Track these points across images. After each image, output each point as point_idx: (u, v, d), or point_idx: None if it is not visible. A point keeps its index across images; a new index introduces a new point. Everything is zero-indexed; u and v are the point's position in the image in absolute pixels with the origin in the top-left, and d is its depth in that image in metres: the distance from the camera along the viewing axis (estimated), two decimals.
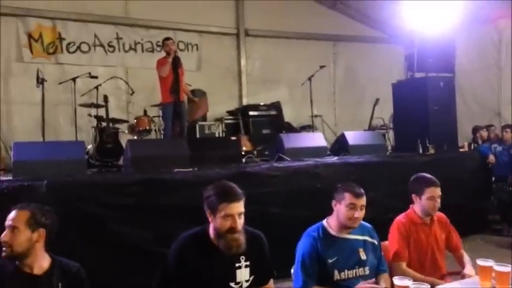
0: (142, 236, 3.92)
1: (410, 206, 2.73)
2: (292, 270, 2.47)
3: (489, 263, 2.02)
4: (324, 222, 2.41)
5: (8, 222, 1.85)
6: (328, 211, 2.47)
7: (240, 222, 1.94)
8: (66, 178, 3.73)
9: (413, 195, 2.68)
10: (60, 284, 1.85)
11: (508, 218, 6.00)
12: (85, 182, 3.84)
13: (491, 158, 6.11)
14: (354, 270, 2.29)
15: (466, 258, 2.70)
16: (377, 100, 7.21)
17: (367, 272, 2.31)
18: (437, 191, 2.62)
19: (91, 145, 5.75)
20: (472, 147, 6.62)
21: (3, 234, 1.84)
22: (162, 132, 6.45)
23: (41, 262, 1.86)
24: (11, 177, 3.89)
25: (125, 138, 6.15)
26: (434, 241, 2.66)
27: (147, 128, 6.21)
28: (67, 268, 1.92)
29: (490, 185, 6.16)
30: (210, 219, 1.99)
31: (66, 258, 1.97)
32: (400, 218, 2.70)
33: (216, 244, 1.98)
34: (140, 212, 3.94)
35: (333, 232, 2.35)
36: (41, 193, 3.49)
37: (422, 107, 5.93)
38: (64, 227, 1.95)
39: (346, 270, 2.27)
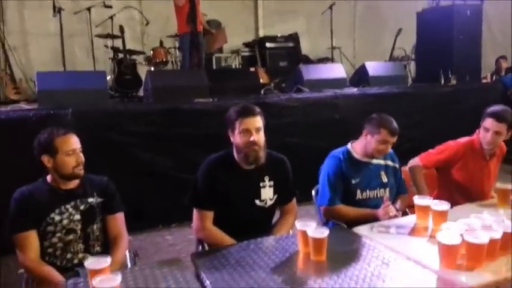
0: (163, 163, 4.08)
1: (477, 131, 2.60)
2: (313, 192, 2.58)
3: (426, 201, 2.01)
4: (349, 146, 2.46)
5: (76, 145, 1.90)
6: (346, 142, 2.51)
7: (259, 137, 2.00)
8: (90, 107, 3.80)
9: (482, 123, 2.53)
10: (95, 194, 1.95)
11: None
12: (108, 110, 3.91)
13: None
14: (375, 191, 2.38)
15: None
16: (399, 30, 6.92)
17: (387, 193, 2.41)
18: (498, 127, 2.43)
19: (110, 76, 5.75)
20: (495, 78, 6.44)
21: (80, 156, 1.89)
22: (179, 63, 6.40)
23: (74, 180, 1.94)
24: (35, 106, 3.98)
25: (142, 69, 6.15)
26: (487, 174, 2.61)
27: (164, 59, 6.13)
28: (98, 181, 2.01)
29: None
30: (232, 139, 2.06)
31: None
32: (463, 140, 2.62)
33: (240, 164, 2.07)
34: (161, 140, 4.07)
35: (357, 156, 2.41)
36: (66, 121, 3.59)
37: (447, 36, 5.73)
38: (89, 153, 2.00)
39: (368, 191, 2.37)
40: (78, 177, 1.91)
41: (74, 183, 1.93)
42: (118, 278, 1.32)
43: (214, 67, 6.87)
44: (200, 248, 2.16)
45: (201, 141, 4.13)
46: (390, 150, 2.48)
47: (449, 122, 5.15)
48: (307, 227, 1.73)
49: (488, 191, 2.67)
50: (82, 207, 1.91)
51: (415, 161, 2.63)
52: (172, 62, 6.45)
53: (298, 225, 1.76)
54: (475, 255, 1.56)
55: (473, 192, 2.54)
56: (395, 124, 2.32)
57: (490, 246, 1.57)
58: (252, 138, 1.98)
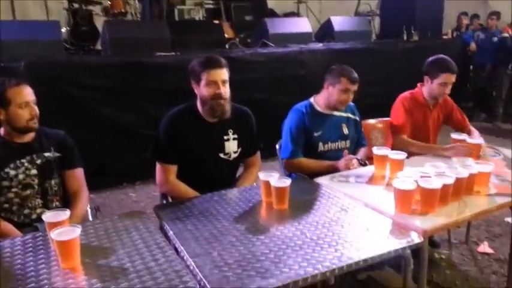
0: (126, 119, 3.98)
1: (419, 85, 2.68)
2: (277, 146, 2.60)
3: (384, 151, 2.09)
4: (312, 99, 2.48)
5: (30, 98, 1.79)
6: (310, 97, 2.52)
7: (224, 89, 1.96)
8: (44, 59, 3.59)
9: (426, 76, 2.57)
10: (52, 148, 1.88)
11: (479, 104, 6.28)
12: (64, 63, 3.72)
13: (473, 46, 6.14)
14: (337, 143, 2.44)
15: (476, 133, 2.69)
16: None
17: (348, 145, 2.47)
18: (452, 78, 2.51)
19: (65, 28, 5.43)
20: (455, 34, 6.57)
21: (34, 109, 1.79)
22: (139, 15, 6.11)
23: (28, 134, 1.86)
24: None
25: (99, 21, 5.83)
26: (432, 124, 2.69)
27: (122, 10, 5.83)
28: (54, 135, 1.93)
29: (467, 73, 6.28)
30: (196, 91, 2.01)
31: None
32: (406, 94, 2.68)
33: (204, 117, 2.03)
34: (123, 95, 3.94)
35: (319, 109, 2.44)
36: (19, 74, 3.39)
37: None
38: (45, 108, 1.89)
39: (329, 143, 2.42)
40: (32, 130, 1.83)
41: (29, 137, 1.85)
42: (77, 230, 1.30)
43: (176, 19, 6.60)
44: (164, 202, 2.16)
45: (164, 96, 4.02)
46: (351, 103, 2.52)
47: (411, 78, 5.22)
48: (270, 177, 1.75)
49: (433, 139, 2.77)
50: (38, 162, 1.84)
51: (395, 138, 2.61)
52: (131, 13, 6.14)
53: (262, 175, 1.78)
54: (428, 200, 1.64)
55: (423, 139, 2.63)
56: (355, 73, 2.35)
57: (442, 192, 1.65)
58: (218, 91, 1.93)
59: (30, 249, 1.41)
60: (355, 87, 2.35)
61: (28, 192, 1.81)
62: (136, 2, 6.08)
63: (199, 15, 7.07)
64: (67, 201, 1.88)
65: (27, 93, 1.79)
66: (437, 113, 2.72)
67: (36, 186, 1.83)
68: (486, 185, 1.87)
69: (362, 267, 1.97)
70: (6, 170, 1.77)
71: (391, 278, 2.32)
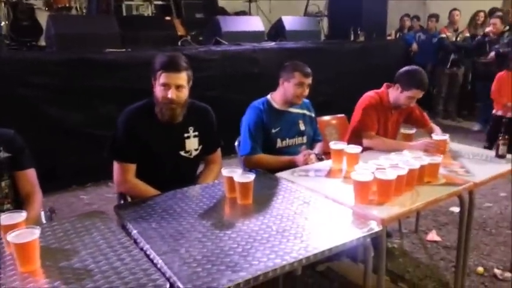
0: (74, 118, 3.82)
1: (385, 85, 2.68)
2: (236, 143, 2.61)
3: (340, 145, 2.17)
4: (269, 96, 2.52)
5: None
6: (265, 95, 2.54)
7: (179, 94, 1.90)
8: None
9: (397, 84, 2.56)
10: (1, 148, 1.76)
11: (421, 102, 6.62)
12: (6, 59, 3.49)
13: (414, 46, 6.50)
14: (294, 139, 2.50)
15: (437, 130, 2.72)
16: None
17: (305, 141, 2.54)
18: (421, 95, 2.53)
19: (3, 23, 5.10)
20: (398, 35, 6.91)
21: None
22: (85, 10, 5.86)
23: None
24: None
25: (42, 15, 5.53)
26: (391, 126, 2.73)
27: (67, 5, 5.57)
28: (3, 134, 1.80)
29: None
30: (154, 89, 1.96)
31: None
32: (372, 94, 2.67)
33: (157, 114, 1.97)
34: (70, 94, 3.77)
35: (276, 106, 2.48)
36: None
37: None
38: None
39: (287, 139, 2.47)
40: None
41: None
42: (36, 232, 1.23)
43: (124, 15, 6.40)
44: (121, 202, 2.10)
45: (115, 95, 3.89)
46: (306, 100, 2.58)
47: (357, 77, 5.46)
48: (234, 173, 1.76)
49: (422, 126, 2.85)
50: None
51: (364, 135, 2.58)
52: (76, 8, 5.87)
53: (225, 172, 1.78)
54: (384, 190, 1.73)
55: None
56: (307, 67, 2.42)
57: (397, 182, 1.74)
58: (170, 95, 1.88)
59: None
60: (309, 81, 2.41)
61: None
62: None
63: (148, 11, 6.89)
64: (19, 203, 1.77)
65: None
66: (397, 116, 2.76)
67: None
68: (436, 176, 1.99)
69: (321, 259, 2.06)
70: None
71: (349, 268, 2.41)
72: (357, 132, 2.67)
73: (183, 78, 1.91)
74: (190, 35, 6.14)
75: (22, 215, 1.35)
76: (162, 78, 1.88)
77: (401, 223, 3.00)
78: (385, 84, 2.71)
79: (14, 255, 1.22)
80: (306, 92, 2.44)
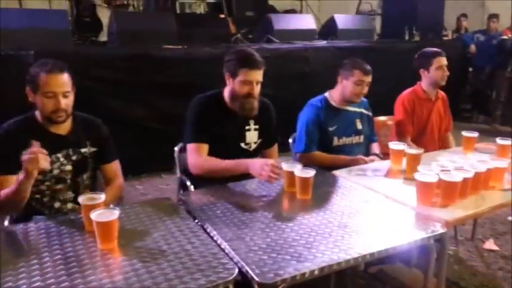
0: (132, 112, 3.97)
1: (418, 83, 2.78)
2: (290, 140, 2.63)
3: (401, 146, 2.13)
4: (327, 94, 2.52)
5: (62, 89, 1.66)
6: (315, 95, 2.54)
7: (257, 89, 1.99)
8: (54, 48, 3.57)
9: (420, 70, 2.70)
10: (88, 143, 1.82)
11: (478, 106, 6.37)
12: (72, 53, 3.70)
13: (472, 47, 6.23)
14: (351, 138, 2.48)
15: (451, 140, 2.83)
16: None
17: (362, 140, 2.52)
18: (444, 60, 2.66)
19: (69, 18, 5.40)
20: (455, 36, 6.66)
21: (60, 102, 1.65)
22: (141, 7, 6.10)
23: (62, 125, 1.75)
24: None
25: (102, 12, 5.82)
26: (436, 117, 2.78)
27: (125, 2, 5.86)
28: (91, 125, 1.86)
29: (466, 75, 6.38)
30: (227, 82, 2.03)
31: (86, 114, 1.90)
32: (405, 93, 2.77)
33: (230, 106, 2.05)
34: (130, 88, 3.93)
35: (334, 104, 2.48)
36: (28, 63, 3.38)
37: None
38: None
39: (344, 137, 2.46)
40: (56, 123, 1.72)
41: (65, 128, 1.76)
42: (116, 213, 1.32)
43: (178, 13, 6.59)
44: (181, 191, 2.18)
45: (171, 91, 4.03)
46: (364, 99, 2.56)
47: (412, 78, 5.30)
48: (294, 167, 1.78)
49: (445, 130, 2.87)
50: (74, 158, 1.78)
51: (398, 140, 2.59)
52: (133, 5, 6.13)
53: (285, 166, 1.81)
54: (449, 193, 1.69)
55: (428, 133, 2.74)
56: (367, 65, 2.40)
57: (462, 185, 1.70)
58: (252, 91, 1.96)
59: (65, 231, 1.42)
60: (368, 79, 2.38)
61: (60, 186, 1.77)
62: None
63: (200, 9, 7.08)
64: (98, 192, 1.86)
65: (57, 84, 1.66)
66: (439, 104, 2.81)
67: (69, 181, 1.78)
68: (501, 181, 1.92)
69: (373, 261, 2.04)
70: None
71: (402, 272, 2.37)
72: (401, 134, 2.72)
73: (261, 73, 1.99)
74: (240, 32, 6.23)
75: (101, 197, 1.44)
76: (243, 75, 1.94)
77: (457, 230, 2.90)
78: (417, 82, 2.81)
79: (95, 232, 1.31)
80: (365, 90, 2.42)
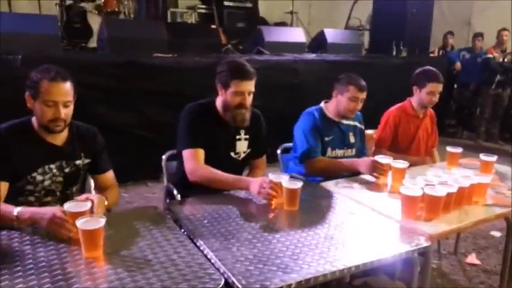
0: (120, 119, 3.94)
1: (408, 98, 2.80)
2: (278, 151, 2.64)
3: (386, 160, 2.15)
4: (322, 105, 2.51)
5: (63, 98, 1.60)
6: (304, 107, 2.55)
7: (249, 100, 2.00)
8: (42, 53, 3.55)
9: (414, 86, 2.70)
10: (82, 154, 1.77)
11: (462, 122, 6.50)
12: (61, 58, 3.67)
13: (458, 65, 6.38)
14: (343, 151, 2.49)
15: (436, 155, 2.88)
16: None
17: (353, 153, 2.53)
18: (439, 87, 2.64)
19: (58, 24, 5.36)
20: (441, 53, 6.81)
21: (60, 111, 1.59)
22: (132, 15, 6.10)
23: (58, 135, 1.70)
24: None
25: (92, 19, 5.80)
26: (423, 133, 2.80)
27: (116, 9, 5.82)
28: (85, 132, 1.80)
29: (451, 91, 6.51)
30: (220, 93, 2.04)
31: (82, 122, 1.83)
32: (393, 109, 2.79)
33: (222, 116, 2.06)
34: (118, 95, 3.92)
35: (330, 115, 2.47)
36: (15, 67, 3.35)
37: (401, 9, 5.95)
38: None
39: (337, 149, 2.46)
40: (53, 132, 1.65)
41: (60, 139, 1.70)
42: (102, 221, 1.31)
43: (168, 22, 6.61)
44: (167, 200, 2.17)
45: (160, 98, 4.04)
46: (358, 112, 2.55)
47: (399, 92, 5.37)
48: (281, 179, 1.79)
49: (431, 146, 2.90)
50: (67, 170, 1.73)
51: (375, 152, 2.67)
52: (124, 12, 6.12)
53: (272, 177, 1.82)
54: (433, 207, 1.72)
55: (414, 149, 2.76)
56: (362, 81, 2.39)
57: (446, 200, 1.73)
58: (244, 102, 1.97)
59: (50, 239, 1.40)
60: (363, 95, 2.39)
61: (49, 198, 1.72)
62: (131, 1, 6.08)
63: (191, 19, 7.13)
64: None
65: (59, 92, 1.59)
66: (427, 121, 2.85)
67: (58, 193, 1.74)
68: (484, 196, 1.96)
69: (358, 273, 2.05)
70: (34, 174, 1.66)
71: (386, 284, 2.39)
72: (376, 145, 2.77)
73: (253, 84, 2.00)
74: (231, 43, 6.28)
75: (87, 205, 1.42)
76: (235, 86, 1.95)
77: (440, 244, 2.94)
78: (408, 98, 2.82)
79: (81, 240, 1.30)
80: (359, 106, 2.42)
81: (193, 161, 1.98)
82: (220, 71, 2.02)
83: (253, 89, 2.01)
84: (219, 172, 1.95)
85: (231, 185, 1.92)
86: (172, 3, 6.80)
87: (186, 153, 2.01)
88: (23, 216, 1.44)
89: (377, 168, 2.14)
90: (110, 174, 1.87)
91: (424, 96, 2.67)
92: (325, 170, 2.32)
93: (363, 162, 2.22)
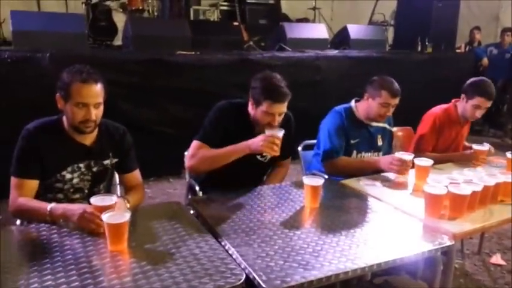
0: (143, 115, 4.01)
1: (453, 101, 2.67)
2: (299, 148, 2.63)
3: (410, 157, 2.10)
4: (353, 104, 2.43)
5: (94, 100, 1.61)
6: (325, 104, 2.49)
7: (279, 119, 1.94)
8: (69, 51, 3.64)
9: (463, 95, 2.57)
10: (110, 154, 1.78)
11: (489, 120, 6.32)
12: (88, 56, 3.76)
13: (485, 61, 6.21)
14: (369, 153, 2.41)
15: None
16: None
17: (379, 157, 2.42)
18: (487, 104, 2.49)
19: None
20: (468, 48, 6.64)
21: (91, 113, 1.60)
22: (156, 13, 6.18)
23: (88, 135, 1.71)
24: (10, 48, 3.78)
25: (117, 17, 5.90)
26: (461, 139, 2.73)
27: (140, 7, 5.90)
28: (114, 134, 1.81)
29: None
30: (251, 107, 1.99)
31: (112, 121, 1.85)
32: (438, 110, 2.66)
33: (251, 120, 2.02)
34: (142, 92, 3.98)
35: (359, 116, 2.40)
36: (43, 65, 3.45)
37: (427, 3, 5.81)
38: None
39: (363, 152, 2.39)
40: (83, 133, 1.67)
41: (90, 139, 1.72)
42: (127, 215, 1.34)
43: (191, 19, 6.66)
44: (189, 196, 2.20)
45: (183, 96, 4.08)
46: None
47: (423, 89, 5.31)
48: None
49: (462, 149, 2.79)
50: (95, 169, 1.75)
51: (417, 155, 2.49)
52: (148, 11, 6.21)
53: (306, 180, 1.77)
54: (457, 205, 1.69)
55: (452, 152, 2.66)
56: (396, 85, 2.27)
57: (471, 199, 1.70)
58: (273, 122, 1.92)
59: (76, 232, 1.45)
60: (396, 101, 2.27)
61: (77, 196, 1.75)
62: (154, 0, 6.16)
63: (214, 16, 7.16)
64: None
65: (90, 94, 1.60)
66: (466, 127, 2.76)
67: (87, 191, 1.76)
68: (510, 195, 1.91)
69: (379, 272, 2.03)
70: (63, 173, 1.69)
71: (408, 283, 2.36)
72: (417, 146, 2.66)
73: (286, 106, 1.95)
74: (252, 40, 6.28)
75: (112, 199, 1.46)
76: (266, 107, 1.89)
77: (463, 243, 2.88)
78: (453, 100, 2.69)
79: (106, 234, 1.34)
80: (391, 112, 2.32)
81: (195, 149, 1.96)
82: (254, 86, 1.95)
83: (285, 110, 1.94)
84: (212, 149, 1.92)
85: (228, 154, 1.89)
86: (195, 1, 6.84)
87: (194, 143, 1.99)
88: (56, 212, 1.50)
89: (398, 165, 2.09)
90: (136, 174, 1.88)
91: (468, 108, 2.53)
92: (345, 170, 2.26)
93: (383, 160, 2.18)
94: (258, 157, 2.08)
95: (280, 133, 1.84)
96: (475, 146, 2.42)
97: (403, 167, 2.09)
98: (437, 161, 2.40)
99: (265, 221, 1.61)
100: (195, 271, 1.23)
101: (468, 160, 2.43)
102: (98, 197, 1.47)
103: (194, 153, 1.97)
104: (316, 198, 1.76)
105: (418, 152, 2.53)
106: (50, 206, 1.51)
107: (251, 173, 2.08)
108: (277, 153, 1.83)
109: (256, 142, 1.84)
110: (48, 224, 1.50)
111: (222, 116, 2.03)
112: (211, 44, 4.65)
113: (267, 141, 1.79)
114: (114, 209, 1.42)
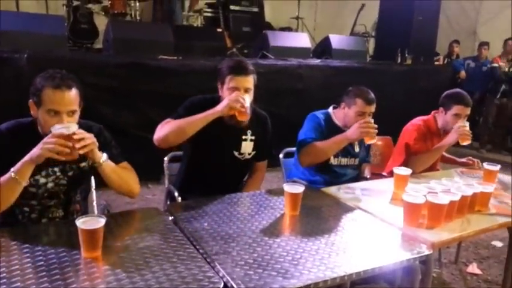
0: (124, 119, 3.96)
1: (432, 113, 2.71)
2: (281, 155, 2.63)
3: (405, 171, 2.10)
4: (330, 110, 2.47)
5: (67, 108, 1.52)
6: (307, 112, 2.49)
7: (246, 97, 1.93)
8: (48, 53, 3.57)
9: (441, 108, 2.62)
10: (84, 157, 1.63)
11: None
12: (67, 58, 3.70)
13: (462, 73, 6.37)
14: (346, 159, 2.44)
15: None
16: (362, 6, 7.07)
17: (356, 162, 2.48)
18: (466, 111, 2.53)
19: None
20: (446, 61, 6.80)
21: (63, 121, 1.51)
22: (138, 17, 6.13)
23: None
24: None
25: (98, 20, 5.83)
26: None
27: (123, 11, 5.85)
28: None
29: None
30: (220, 92, 2.02)
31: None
32: (420, 122, 2.69)
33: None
34: (122, 96, 3.93)
35: (337, 122, 2.43)
36: (20, 65, 3.37)
37: (407, 16, 5.93)
38: None
39: (340, 157, 2.41)
40: None
41: None
42: (102, 221, 1.30)
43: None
44: (167, 202, 2.17)
45: (164, 100, 4.02)
46: None
47: (402, 100, 5.41)
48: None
49: (436, 162, 2.82)
50: (70, 173, 1.68)
51: (417, 157, 2.57)
52: (131, 14, 6.16)
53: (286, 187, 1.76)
54: (435, 214, 1.70)
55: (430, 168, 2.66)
56: (371, 94, 2.32)
57: (448, 208, 1.71)
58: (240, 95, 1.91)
59: (49, 238, 1.40)
60: (371, 109, 2.31)
61: (52, 202, 1.68)
62: (137, 3, 6.11)
63: (197, 22, 7.15)
64: (86, 212, 1.80)
65: (63, 101, 1.51)
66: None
67: (62, 196, 1.69)
68: (487, 205, 1.95)
69: (357, 281, 2.03)
70: (37, 177, 1.61)
71: None
72: (400, 155, 2.66)
73: (251, 81, 1.98)
74: (236, 47, 6.30)
75: (100, 221, 1.31)
76: (231, 82, 1.94)
77: (441, 252, 2.92)
78: (432, 112, 2.73)
79: (80, 240, 1.29)
80: (367, 120, 2.31)
81: (164, 123, 1.95)
82: (219, 68, 2.02)
83: (250, 86, 1.97)
84: (182, 119, 1.90)
85: (198, 120, 1.87)
86: (178, 6, 6.81)
87: (162, 123, 1.96)
88: (19, 167, 1.45)
89: (365, 127, 2.14)
90: (124, 165, 1.79)
91: (449, 119, 2.56)
92: (319, 153, 2.23)
93: (351, 130, 2.20)
94: (236, 153, 2.09)
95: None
96: (487, 166, 2.35)
97: (370, 128, 2.14)
98: (431, 157, 2.53)
99: (245, 228, 1.59)
100: (171, 279, 1.20)
101: (456, 138, 2.44)
102: (87, 217, 1.33)
103: (162, 125, 1.96)
104: (296, 205, 1.75)
105: (411, 155, 2.57)
106: (10, 171, 1.45)
107: (230, 173, 2.08)
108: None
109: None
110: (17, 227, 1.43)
111: (194, 103, 2.02)
112: (194, 50, 4.64)
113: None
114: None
